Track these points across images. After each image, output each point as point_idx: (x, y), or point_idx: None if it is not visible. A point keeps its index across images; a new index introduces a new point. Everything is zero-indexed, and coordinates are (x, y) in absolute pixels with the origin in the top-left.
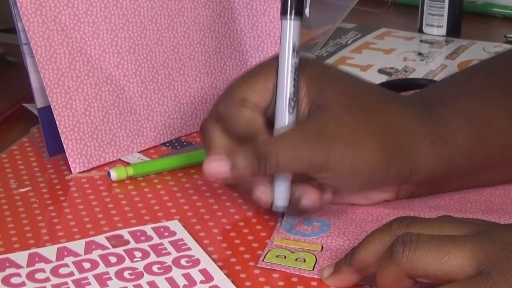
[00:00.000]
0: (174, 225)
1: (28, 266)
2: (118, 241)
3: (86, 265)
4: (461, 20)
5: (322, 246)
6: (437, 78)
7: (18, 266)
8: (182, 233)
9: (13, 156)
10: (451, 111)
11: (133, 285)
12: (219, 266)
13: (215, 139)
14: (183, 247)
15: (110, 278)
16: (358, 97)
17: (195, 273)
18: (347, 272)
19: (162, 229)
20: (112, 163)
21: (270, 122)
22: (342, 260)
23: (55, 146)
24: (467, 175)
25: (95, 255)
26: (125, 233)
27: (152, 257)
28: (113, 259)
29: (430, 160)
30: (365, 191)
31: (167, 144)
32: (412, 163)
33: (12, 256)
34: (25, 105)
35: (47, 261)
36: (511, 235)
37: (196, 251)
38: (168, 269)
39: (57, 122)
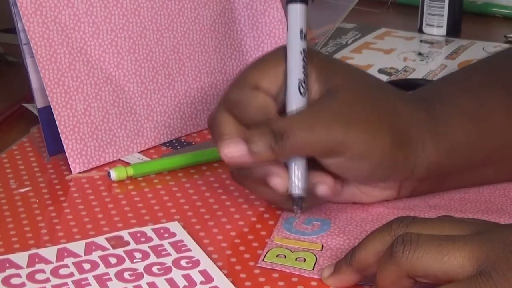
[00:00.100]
0: (174, 226)
1: (28, 266)
2: (118, 242)
3: (86, 266)
4: (461, 20)
5: (322, 246)
6: (437, 78)
7: (18, 267)
8: (182, 234)
9: (13, 156)
10: (450, 108)
11: (133, 286)
12: (219, 266)
13: (227, 127)
14: (183, 248)
15: (110, 279)
16: (365, 84)
17: (195, 274)
18: (347, 272)
19: (162, 230)
20: (112, 163)
21: (280, 108)
22: (342, 260)
23: (55, 146)
24: (467, 172)
25: (95, 256)
26: (125, 234)
27: (152, 258)
28: (113, 260)
29: (431, 153)
30: (371, 181)
31: (167, 144)
32: (416, 155)
33: (12, 256)
34: (25, 105)
35: (47, 261)
36: (511, 235)
37: (196, 252)
38: (168, 270)
39: (57, 122)
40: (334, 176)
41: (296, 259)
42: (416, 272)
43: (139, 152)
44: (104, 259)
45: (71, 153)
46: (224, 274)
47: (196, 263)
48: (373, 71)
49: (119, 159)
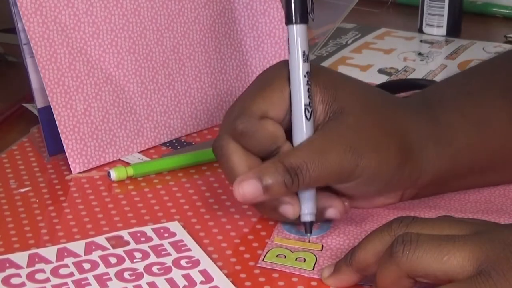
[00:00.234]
0: (174, 226)
1: (28, 266)
2: (118, 242)
3: (86, 266)
4: (461, 20)
5: (322, 246)
6: (437, 78)
7: (18, 267)
8: (182, 234)
9: (13, 156)
10: (452, 112)
11: (133, 286)
12: (219, 266)
13: (236, 158)
14: (183, 248)
15: (110, 279)
16: (370, 102)
17: (195, 274)
18: (347, 272)
19: (162, 230)
20: (112, 163)
21: (287, 129)
22: (342, 260)
23: (55, 146)
24: (468, 175)
25: (95, 255)
26: (125, 234)
27: (152, 258)
28: (113, 260)
29: (436, 162)
30: (378, 195)
31: (167, 144)
32: (421, 165)
33: (12, 256)
34: (25, 105)
35: (47, 261)
36: (511, 235)
37: (196, 252)
38: (168, 270)
39: (57, 122)
40: (342, 194)
41: (296, 259)
42: (416, 272)
43: (139, 152)
44: (104, 259)
45: (71, 153)
46: (224, 274)
47: (196, 263)
48: (373, 71)
49: (119, 159)
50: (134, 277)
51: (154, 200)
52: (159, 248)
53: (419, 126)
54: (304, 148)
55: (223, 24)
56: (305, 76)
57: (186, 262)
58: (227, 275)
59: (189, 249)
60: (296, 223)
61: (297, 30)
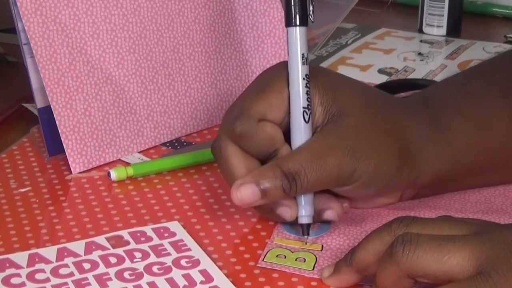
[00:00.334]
0: (174, 226)
1: (28, 266)
2: (118, 241)
3: (86, 266)
4: (461, 20)
5: (322, 246)
6: (437, 78)
7: (18, 267)
8: (182, 234)
9: (13, 156)
10: (452, 113)
11: (133, 286)
12: (219, 266)
13: (234, 160)
14: (183, 248)
15: (110, 279)
16: (369, 103)
17: (195, 274)
18: (347, 272)
19: (162, 230)
20: (112, 163)
21: (285, 130)
22: (342, 260)
23: (55, 146)
24: (468, 176)
25: (95, 255)
26: (125, 233)
27: (152, 258)
28: (113, 260)
29: (435, 162)
30: (377, 197)
31: (167, 144)
32: (420, 166)
33: (12, 256)
34: (25, 105)
35: (47, 261)
36: (511, 235)
37: (196, 251)
38: (168, 270)
39: (57, 122)
40: (341, 196)
41: (296, 259)
42: (416, 272)
43: (139, 152)
44: (104, 258)
45: (71, 153)
46: (224, 274)
47: (196, 263)
48: (373, 71)
49: (119, 159)
50: (134, 277)
51: (154, 200)
52: (159, 248)
53: (419, 126)
54: (302, 152)
55: (223, 24)
56: (304, 78)
57: (186, 262)
58: (227, 275)
59: (189, 249)
60: (295, 224)
61: (297, 33)
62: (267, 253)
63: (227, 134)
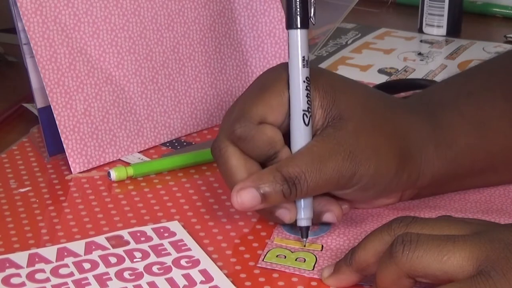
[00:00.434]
0: (174, 225)
1: (28, 266)
2: (118, 241)
3: (86, 266)
4: (461, 20)
5: (322, 246)
6: (437, 78)
7: (18, 267)
8: (182, 233)
9: (13, 156)
10: (452, 113)
11: (133, 286)
12: (219, 266)
13: (234, 162)
14: (183, 248)
15: (110, 279)
16: (370, 105)
17: (195, 274)
18: (347, 272)
19: (162, 230)
20: (112, 163)
21: (285, 133)
22: (342, 260)
23: (55, 146)
24: (468, 177)
25: (95, 255)
26: (125, 233)
27: (152, 258)
28: (113, 260)
29: (435, 164)
30: (377, 198)
31: (167, 144)
32: (420, 167)
33: (12, 256)
34: (25, 105)
35: (47, 261)
36: (511, 235)
37: (196, 251)
38: (168, 270)
39: (57, 122)
40: (339, 198)
41: (296, 259)
42: (416, 272)
43: (139, 152)
44: (104, 258)
45: (71, 153)
46: (224, 274)
47: (196, 263)
48: (373, 71)
49: (119, 159)
50: (134, 276)
51: (154, 200)
52: (159, 248)
53: (419, 127)
54: (303, 156)
55: (223, 24)
56: (304, 81)
57: (186, 262)
58: (227, 275)
59: (189, 249)
60: (294, 226)
61: (298, 35)
62: (267, 253)
63: (226, 136)
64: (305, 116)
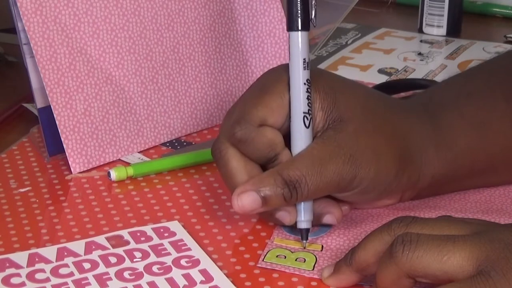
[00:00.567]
0: (174, 225)
1: (28, 266)
2: (118, 241)
3: (86, 266)
4: (461, 20)
5: (322, 246)
6: (437, 78)
7: (18, 266)
8: (182, 233)
9: (13, 156)
10: (452, 114)
11: (133, 286)
12: (219, 266)
13: (234, 163)
14: (183, 248)
15: (110, 279)
16: (370, 106)
17: (195, 273)
18: (347, 272)
19: (162, 230)
20: (112, 163)
21: (286, 134)
22: (342, 260)
23: (55, 146)
24: (468, 177)
25: (95, 255)
26: (125, 233)
27: (152, 258)
28: (113, 260)
29: (436, 164)
30: (376, 200)
31: (167, 144)
32: (420, 169)
33: (12, 256)
34: (25, 105)
35: (47, 261)
36: (511, 235)
37: (196, 251)
38: (168, 270)
39: (57, 122)
40: (339, 200)
41: (296, 260)
42: (416, 272)
43: (139, 152)
44: (104, 258)
45: (71, 153)
46: (224, 274)
47: (196, 263)
48: (373, 71)
49: (119, 159)
50: (134, 276)
51: (154, 200)
52: (159, 248)
53: (419, 128)
54: (303, 159)
55: (223, 24)
56: (304, 83)
57: (186, 262)
58: (227, 275)
59: (189, 249)
60: (294, 228)
61: (299, 37)
62: (267, 253)
63: (227, 138)
64: (305, 118)
